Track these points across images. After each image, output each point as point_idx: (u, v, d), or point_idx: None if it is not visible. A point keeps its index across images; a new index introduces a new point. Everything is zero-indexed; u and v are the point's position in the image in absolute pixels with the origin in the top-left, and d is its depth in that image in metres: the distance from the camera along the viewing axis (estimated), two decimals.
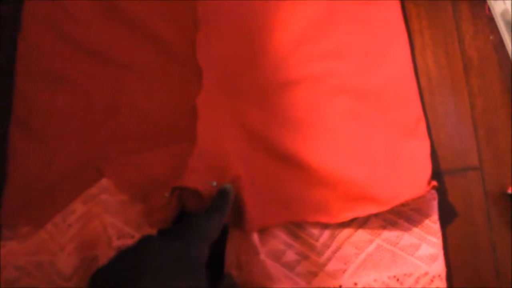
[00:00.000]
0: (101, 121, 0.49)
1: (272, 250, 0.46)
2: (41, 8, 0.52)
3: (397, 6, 0.52)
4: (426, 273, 0.46)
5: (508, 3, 0.49)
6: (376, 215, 0.47)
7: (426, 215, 0.47)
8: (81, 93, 0.50)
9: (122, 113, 0.49)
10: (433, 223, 0.47)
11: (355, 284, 0.46)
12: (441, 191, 0.49)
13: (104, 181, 0.46)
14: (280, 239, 0.46)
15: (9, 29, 0.52)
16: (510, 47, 0.50)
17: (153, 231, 0.42)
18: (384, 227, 0.47)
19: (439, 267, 0.46)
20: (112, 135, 0.49)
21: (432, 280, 0.46)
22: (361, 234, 0.47)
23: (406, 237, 0.47)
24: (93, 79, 0.50)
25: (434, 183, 0.46)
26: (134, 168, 0.47)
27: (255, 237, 0.45)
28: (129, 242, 0.45)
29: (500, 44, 0.52)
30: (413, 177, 0.48)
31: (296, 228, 0.47)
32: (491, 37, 0.52)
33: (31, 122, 0.49)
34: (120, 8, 0.52)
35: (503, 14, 0.50)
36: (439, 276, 0.46)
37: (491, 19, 0.52)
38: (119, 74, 0.50)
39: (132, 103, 0.49)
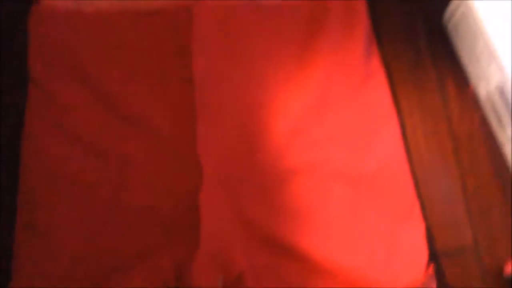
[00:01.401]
0: (103, 218, 0.49)
1: None
2: (42, 106, 0.52)
3: (386, 89, 0.54)
4: None
5: (491, 84, 0.50)
6: None
7: None
8: (83, 189, 0.50)
9: (123, 209, 0.50)
10: None
11: None
12: (439, 272, 0.49)
13: None
14: None
15: None
16: (495, 125, 0.52)
17: None
18: None
19: None
20: (114, 233, 0.49)
21: None
22: None
23: None
24: (94, 175, 0.51)
25: (432, 267, 0.47)
26: (140, 275, 0.47)
27: None
28: None
29: (486, 120, 0.53)
30: (410, 262, 0.49)
31: None
32: (477, 114, 0.54)
33: (35, 219, 0.50)
34: (119, 103, 0.52)
35: (488, 96, 0.52)
36: None
37: (476, 96, 0.54)
38: (119, 169, 0.51)
39: (133, 199, 0.50)
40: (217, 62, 0.53)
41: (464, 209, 0.51)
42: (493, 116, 0.52)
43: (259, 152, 0.51)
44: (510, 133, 0.49)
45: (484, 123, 0.53)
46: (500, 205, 0.51)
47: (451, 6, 0.53)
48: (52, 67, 0.53)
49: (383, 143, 0.52)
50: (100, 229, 0.49)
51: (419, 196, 0.51)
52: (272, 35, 0.54)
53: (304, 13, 0.55)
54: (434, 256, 0.50)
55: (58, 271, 0.48)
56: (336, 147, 0.52)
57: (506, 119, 0.49)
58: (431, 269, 0.48)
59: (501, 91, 0.49)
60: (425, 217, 0.50)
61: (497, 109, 0.51)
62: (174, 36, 0.54)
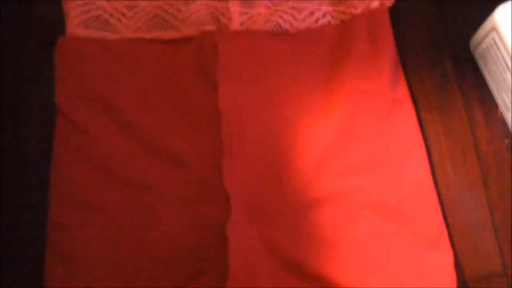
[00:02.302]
0: (131, 250, 0.50)
1: None
2: (69, 136, 0.53)
3: (413, 117, 0.53)
4: None
5: None
6: None
7: None
8: (111, 219, 0.51)
9: (151, 241, 0.50)
10: None
11: None
12: None
13: None
14: None
15: None
16: None
17: None
18: None
19: None
20: (142, 265, 0.50)
21: None
22: None
23: None
24: (123, 205, 0.51)
25: None
26: None
27: None
28: None
29: None
30: None
31: None
32: (506, 141, 0.54)
33: (62, 247, 0.51)
34: (144, 133, 0.53)
35: None
36: None
37: (504, 122, 0.54)
38: (148, 200, 0.51)
39: (159, 231, 0.50)
40: (243, 91, 0.53)
41: (492, 236, 0.51)
42: None
43: (286, 182, 0.51)
44: None
45: None
46: None
47: (479, 33, 0.53)
48: (78, 97, 0.54)
49: (411, 171, 0.52)
50: (127, 262, 0.50)
51: (447, 223, 0.51)
52: (297, 61, 0.55)
53: (329, 38, 0.55)
54: (462, 285, 0.50)
55: None
56: (363, 176, 0.52)
57: None
58: None
59: None
60: (453, 245, 0.51)
61: None
62: (199, 64, 0.55)
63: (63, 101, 0.54)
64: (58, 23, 0.56)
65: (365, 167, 0.52)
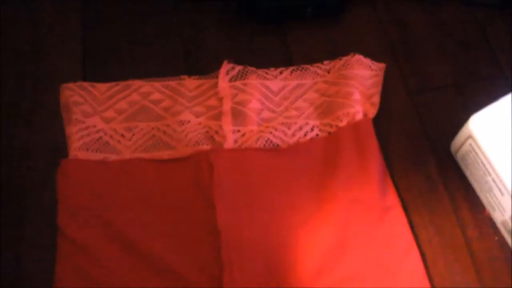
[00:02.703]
0: None
1: None
2: (71, 257, 0.54)
3: (404, 220, 0.55)
4: None
5: (506, 214, 0.52)
6: None
7: None
8: None
9: None
10: None
11: None
12: None
13: None
14: None
15: None
16: None
17: None
18: None
19: None
20: None
21: None
22: None
23: None
24: None
25: None
26: None
27: None
28: None
29: (505, 242, 0.55)
30: None
31: None
32: (496, 238, 0.55)
33: None
34: (145, 251, 0.54)
35: (503, 223, 0.54)
36: None
37: (492, 221, 0.56)
38: None
39: None
40: (239, 207, 0.56)
41: None
42: (510, 240, 0.54)
43: None
44: None
45: (504, 246, 0.55)
46: None
47: (457, 139, 0.56)
48: (79, 218, 0.56)
49: (407, 275, 0.53)
50: None
51: None
52: (289, 175, 0.57)
53: (318, 150, 0.59)
54: None
55: None
56: (360, 284, 0.53)
57: None
58: None
59: None
60: None
61: None
62: (196, 182, 0.57)
63: (64, 222, 0.55)
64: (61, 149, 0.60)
65: (361, 275, 0.53)
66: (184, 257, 0.54)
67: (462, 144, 0.55)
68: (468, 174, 0.57)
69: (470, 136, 0.53)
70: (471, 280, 0.54)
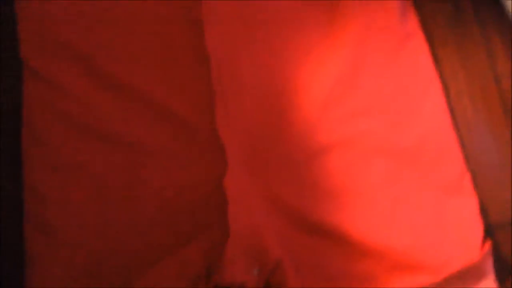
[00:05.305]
0: (119, 211, 0.46)
1: None
2: (40, 93, 0.48)
3: (425, 51, 0.49)
4: None
5: None
6: None
7: (482, 275, 0.45)
8: (93, 180, 0.47)
9: (140, 200, 0.46)
10: (490, 284, 0.45)
11: None
12: (494, 246, 0.46)
13: None
14: None
15: None
16: None
17: None
18: None
19: None
20: (132, 226, 0.46)
21: None
22: None
23: None
24: (105, 164, 0.47)
25: (488, 245, 0.44)
26: (166, 272, 0.44)
27: None
28: None
29: None
30: (463, 239, 0.46)
31: None
32: None
33: (45, 217, 0.47)
34: (125, 84, 0.47)
35: None
36: None
37: None
38: (134, 157, 0.47)
39: (149, 189, 0.46)
40: (232, 34, 0.48)
41: None
42: None
43: (287, 129, 0.46)
44: None
45: None
46: None
47: None
48: (46, 51, 0.48)
49: (426, 111, 0.48)
50: (116, 224, 0.46)
51: (468, 166, 0.48)
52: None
53: None
54: (489, 231, 0.46)
55: (75, 271, 0.45)
56: (374, 118, 0.47)
57: None
58: (487, 246, 0.45)
59: None
60: (476, 189, 0.47)
61: None
62: (183, 8, 0.48)
63: (30, 55, 0.49)
64: None
65: (376, 108, 0.47)
66: (171, 91, 0.47)
67: None
68: None
69: None
70: (498, 120, 0.49)
